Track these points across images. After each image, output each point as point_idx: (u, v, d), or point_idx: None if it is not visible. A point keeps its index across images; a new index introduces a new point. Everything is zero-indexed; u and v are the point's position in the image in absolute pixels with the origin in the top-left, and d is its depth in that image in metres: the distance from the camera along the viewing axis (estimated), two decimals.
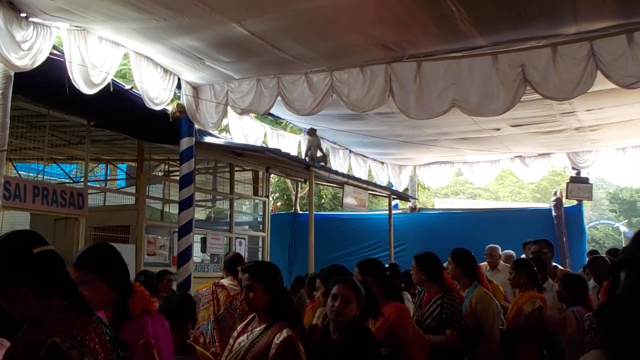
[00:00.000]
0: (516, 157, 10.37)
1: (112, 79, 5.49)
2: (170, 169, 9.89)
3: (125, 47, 5.54)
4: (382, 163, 11.34)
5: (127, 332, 2.13)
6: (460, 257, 4.25)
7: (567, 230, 10.26)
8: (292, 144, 9.26)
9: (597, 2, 4.47)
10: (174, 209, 8.27)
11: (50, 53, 4.91)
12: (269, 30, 5.01)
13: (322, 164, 8.45)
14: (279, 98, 6.15)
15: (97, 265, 2.18)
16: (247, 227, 10.41)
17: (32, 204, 6.30)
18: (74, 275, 1.97)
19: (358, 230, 11.24)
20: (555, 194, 10.84)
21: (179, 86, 6.53)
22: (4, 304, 1.66)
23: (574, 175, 10.49)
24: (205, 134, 7.54)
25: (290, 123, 10.16)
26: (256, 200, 10.40)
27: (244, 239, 9.58)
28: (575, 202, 10.75)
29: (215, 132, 8.23)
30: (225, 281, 4.81)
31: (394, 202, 11.17)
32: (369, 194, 10.39)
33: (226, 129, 9.10)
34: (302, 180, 10.70)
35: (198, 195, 8.37)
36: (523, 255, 6.51)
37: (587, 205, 14.62)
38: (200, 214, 9.86)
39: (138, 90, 5.99)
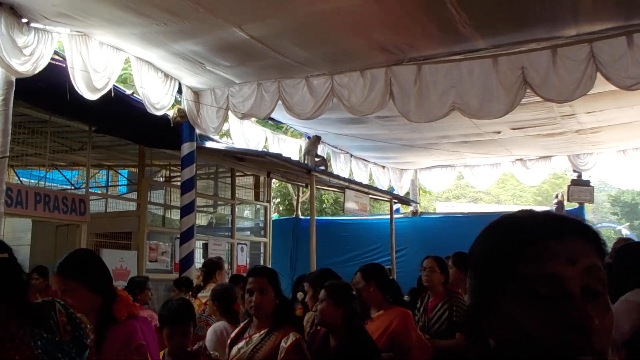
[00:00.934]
0: (517, 160, 10.36)
1: (114, 84, 5.51)
2: (172, 174, 9.89)
3: (126, 52, 5.56)
4: (383, 167, 11.34)
5: (114, 337, 2.14)
6: (462, 262, 4.23)
7: None
8: (293, 148, 9.26)
9: (597, 4, 4.48)
10: (175, 215, 8.26)
11: (52, 58, 4.92)
12: (269, 34, 5.03)
13: (322, 167, 8.44)
14: (280, 102, 6.17)
15: (78, 272, 2.19)
16: (248, 232, 10.38)
17: (34, 211, 6.29)
18: (56, 284, 1.99)
19: (359, 234, 11.18)
20: (556, 196, 10.84)
21: (179, 91, 6.55)
22: None
23: (575, 178, 10.45)
24: (206, 139, 7.54)
25: (291, 127, 10.17)
26: (257, 206, 10.37)
27: (246, 244, 9.54)
28: (576, 205, 10.70)
29: (216, 137, 8.24)
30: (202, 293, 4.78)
31: (395, 207, 11.13)
32: (371, 198, 10.36)
33: (227, 134, 9.10)
34: (304, 184, 10.69)
35: (199, 201, 8.34)
36: None
37: (588, 208, 14.59)
38: (201, 219, 9.84)
39: (139, 96, 6.00)
